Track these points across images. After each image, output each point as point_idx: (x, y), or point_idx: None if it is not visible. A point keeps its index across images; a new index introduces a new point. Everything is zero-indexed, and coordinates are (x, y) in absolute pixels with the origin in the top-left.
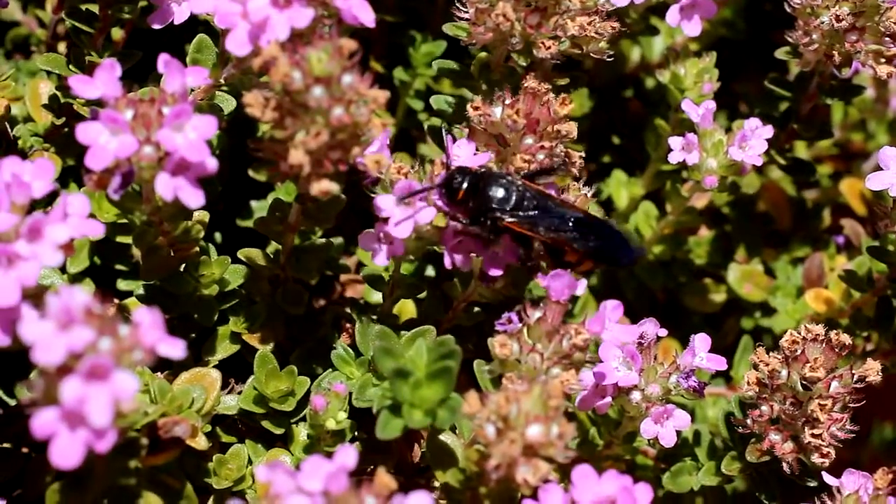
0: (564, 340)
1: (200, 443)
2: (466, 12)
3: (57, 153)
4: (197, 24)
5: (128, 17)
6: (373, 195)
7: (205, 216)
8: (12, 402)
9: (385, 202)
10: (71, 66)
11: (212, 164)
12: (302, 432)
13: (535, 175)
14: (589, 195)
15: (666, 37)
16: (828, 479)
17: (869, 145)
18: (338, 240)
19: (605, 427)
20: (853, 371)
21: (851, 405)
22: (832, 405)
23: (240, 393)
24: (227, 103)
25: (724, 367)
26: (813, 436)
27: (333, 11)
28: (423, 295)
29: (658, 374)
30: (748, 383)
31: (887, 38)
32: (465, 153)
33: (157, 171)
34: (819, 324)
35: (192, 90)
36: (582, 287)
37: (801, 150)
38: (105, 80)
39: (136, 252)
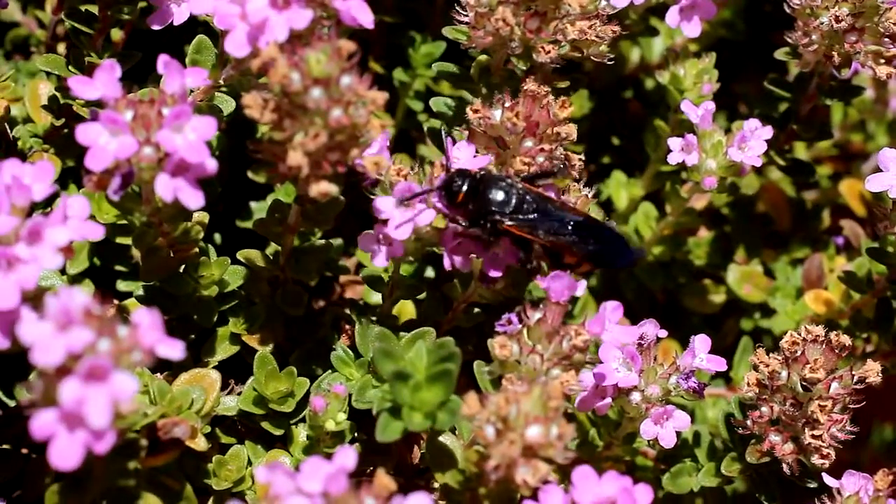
0: (564, 341)
1: (200, 444)
2: (466, 16)
3: (56, 154)
4: (196, 25)
5: (127, 18)
6: (372, 197)
7: (204, 217)
8: (12, 404)
9: (384, 204)
10: (70, 67)
11: (211, 165)
12: (301, 433)
13: (534, 177)
14: (589, 196)
15: (665, 38)
16: (828, 480)
17: (868, 146)
18: (337, 241)
19: (604, 428)
20: (853, 372)
21: (851, 406)
22: (832, 406)
23: (239, 394)
24: (227, 104)
25: (723, 368)
26: (813, 437)
27: (332, 13)
28: (422, 296)
29: (658, 375)
30: (748, 384)
31: (887, 39)
32: (464, 155)
33: (156, 172)
34: (819, 325)
35: (192, 91)
36: (582, 288)
37: (801, 151)
38: (105, 80)
39: (136, 253)
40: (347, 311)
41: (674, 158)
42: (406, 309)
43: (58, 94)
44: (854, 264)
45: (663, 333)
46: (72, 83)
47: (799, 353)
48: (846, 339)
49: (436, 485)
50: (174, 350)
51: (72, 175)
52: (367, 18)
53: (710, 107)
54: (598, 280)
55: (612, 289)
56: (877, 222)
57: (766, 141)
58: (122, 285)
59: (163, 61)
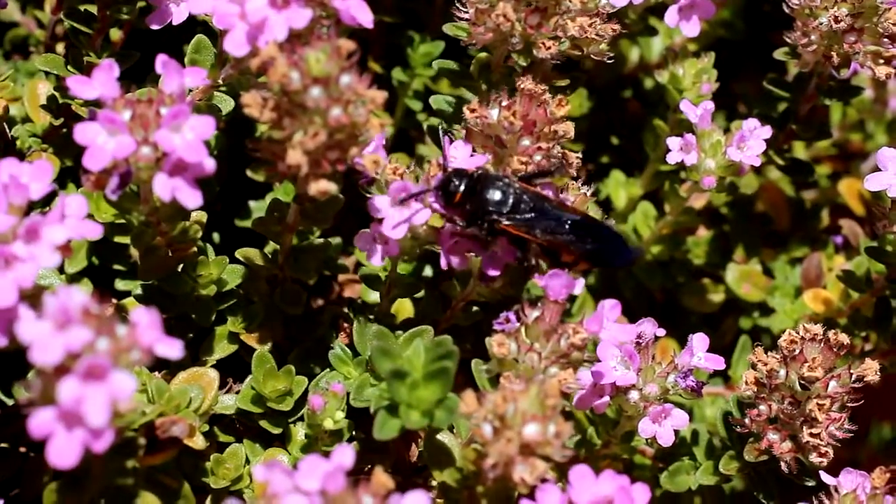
0: (562, 340)
1: (198, 442)
2: (466, 12)
3: (55, 154)
4: (195, 24)
5: (126, 18)
6: (369, 195)
7: (203, 216)
8: (10, 402)
9: (381, 203)
10: (69, 67)
11: (210, 164)
12: (300, 432)
13: (532, 176)
14: (587, 195)
15: (665, 37)
16: (826, 478)
17: (867, 146)
18: (336, 240)
19: (602, 426)
20: (851, 371)
21: (849, 405)
22: (830, 405)
23: (237, 393)
24: (226, 104)
25: (722, 366)
26: (811, 435)
27: (331, 12)
28: (420, 294)
29: (656, 374)
30: (746, 383)
31: (886, 39)
32: (461, 155)
33: (154, 172)
34: (817, 324)
35: (191, 91)
36: (580, 286)
37: (800, 151)
38: (103, 80)
39: (134, 252)
40: (346, 310)
41: (673, 158)
42: (404, 307)
43: (56, 94)
44: (853, 263)
45: (661, 332)
46: (70, 83)
47: (797, 351)
48: (844, 338)
49: (433, 483)
50: (172, 349)
51: (70, 174)
52: (366, 18)
53: (709, 106)
54: (596, 279)
55: (610, 287)
56: (875, 221)
57: (765, 140)
58: (120, 284)
59: (161, 61)
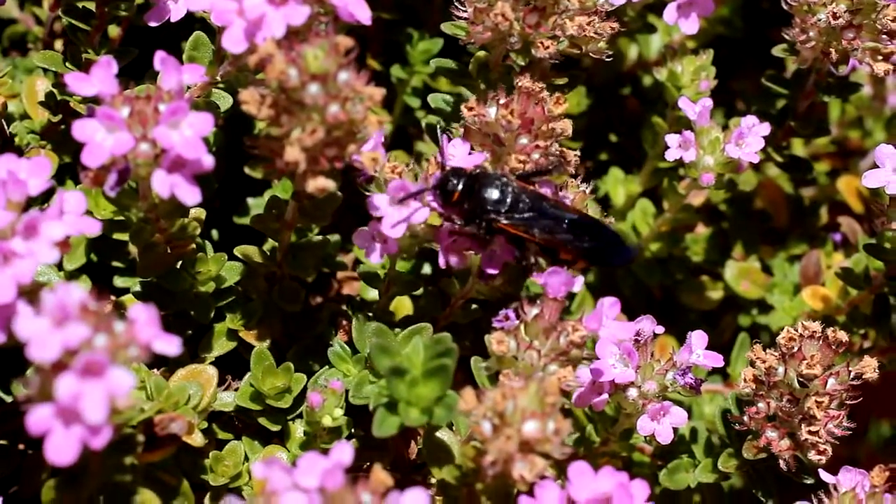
0: (561, 337)
1: (197, 440)
2: (465, 11)
3: (53, 150)
4: (193, 21)
5: (124, 15)
6: (367, 193)
7: (201, 213)
8: (8, 399)
9: (379, 201)
10: (67, 64)
11: (208, 161)
12: (298, 429)
13: (530, 175)
14: (586, 192)
15: (663, 35)
16: (824, 476)
17: (866, 143)
18: (334, 237)
19: (601, 424)
20: (850, 368)
21: (848, 402)
22: (829, 402)
23: (236, 390)
24: (224, 101)
25: (720, 364)
26: (810, 433)
27: (329, 9)
28: (419, 292)
29: (655, 371)
30: (745, 380)
31: (884, 36)
32: (460, 153)
33: (153, 169)
34: (816, 321)
35: (189, 87)
36: (579, 284)
37: (798, 148)
38: (101, 77)
39: (133, 249)
40: (344, 307)
41: (671, 155)
42: (403, 305)
43: (55, 91)
44: (851, 261)
45: (660, 329)
46: (68, 79)
47: (796, 349)
48: (843, 336)
49: (433, 480)
50: (171, 346)
51: (69, 171)
52: (364, 15)
53: (708, 103)
54: (595, 276)
55: (609, 285)
56: (874, 218)
57: (764, 137)
58: (118, 281)
59: (159, 58)
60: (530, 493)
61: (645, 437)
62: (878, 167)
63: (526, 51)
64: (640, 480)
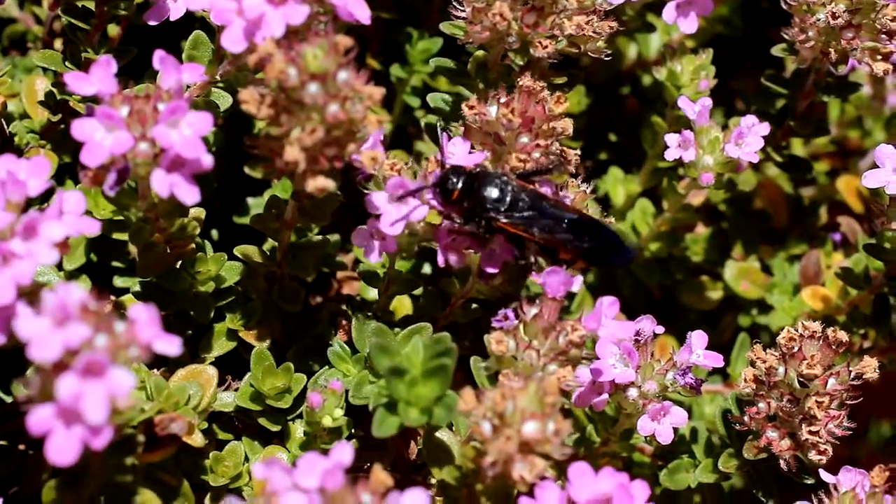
0: (561, 337)
1: (197, 440)
2: (463, 11)
3: (53, 150)
4: (193, 20)
5: (124, 14)
6: (366, 192)
7: (201, 213)
8: (9, 400)
9: (378, 200)
10: (67, 63)
11: (207, 160)
12: (298, 429)
13: (530, 174)
14: (586, 192)
15: (662, 34)
16: (825, 476)
17: (866, 142)
18: (334, 237)
19: (601, 424)
20: (850, 368)
21: (848, 402)
22: (829, 402)
23: (236, 390)
24: (223, 100)
25: (720, 364)
26: (810, 433)
27: (329, 8)
28: (419, 291)
29: (655, 371)
30: (745, 380)
31: (883, 36)
32: (459, 152)
33: (152, 168)
34: (816, 321)
35: (188, 87)
36: (578, 283)
37: (798, 148)
38: (101, 76)
39: (133, 249)
40: (344, 307)
41: (671, 155)
42: (403, 304)
43: (54, 90)
44: (851, 260)
45: (660, 329)
46: (68, 79)
47: (796, 349)
48: (843, 336)
49: (432, 481)
50: (171, 346)
51: (68, 171)
52: (363, 14)
53: (707, 103)
54: (594, 276)
55: (608, 285)
56: (874, 218)
57: (763, 137)
58: (118, 281)
59: (159, 57)
60: (530, 493)
61: (645, 437)
62: (877, 167)
63: (524, 50)
64: (640, 481)
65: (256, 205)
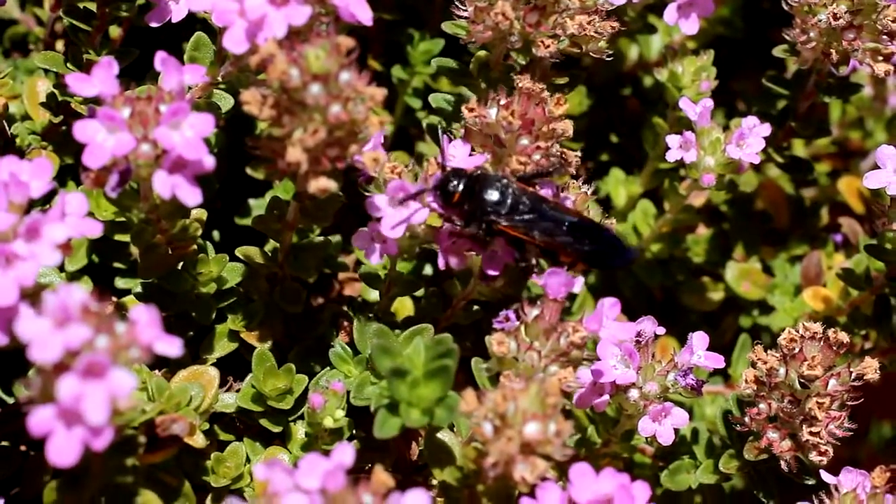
0: (562, 338)
1: (198, 441)
2: (465, 10)
3: (55, 151)
4: (195, 21)
5: (125, 15)
6: (367, 194)
7: (202, 214)
8: (10, 401)
9: (379, 202)
10: (68, 64)
11: (209, 161)
12: (300, 430)
13: (531, 177)
14: (587, 193)
15: (664, 35)
16: (826, 477)
17: (867, 143)
18: (336, 238)
19: (602, 425)
20: (851, 369)
21: (849, 403)
22: (830, 403)
23: (238, 391)
24: (225, 101)
25: (721, 365)
26: (811, 434)
27: (331, 9)
28: (420, 293)
29: (656, 372)
30: (746, 381)
31: (885, 36)
32: (460, 154)
33: (154, 169)
34: (817, 322)
35: (190, 88)
36: (579, 285)
37: (799, 149)
38: (102, 77)
39: (134, 250)
40: (346, 308)
41: (672, 156)
42: (404, 306)
43: (56, 92)
44: (852, 261)
45: (661, 330)
46: (69, 80)
47: (797, 350)
48: (844, 337)
49: (434, 482)
50: (172, 347)
51: (70, 172)
52: (365, 15)
53: (709, 104)
54: (595, 277)
55: (609, 286)
56: (875, 219)
57: (765, 138)
58: (120, 282)
59: (160, 58)
60: (531, 494)
61: (646, 438)
62: (878, 168)
63: (526, 50)
64: (641, 482)
65: (258, 206)
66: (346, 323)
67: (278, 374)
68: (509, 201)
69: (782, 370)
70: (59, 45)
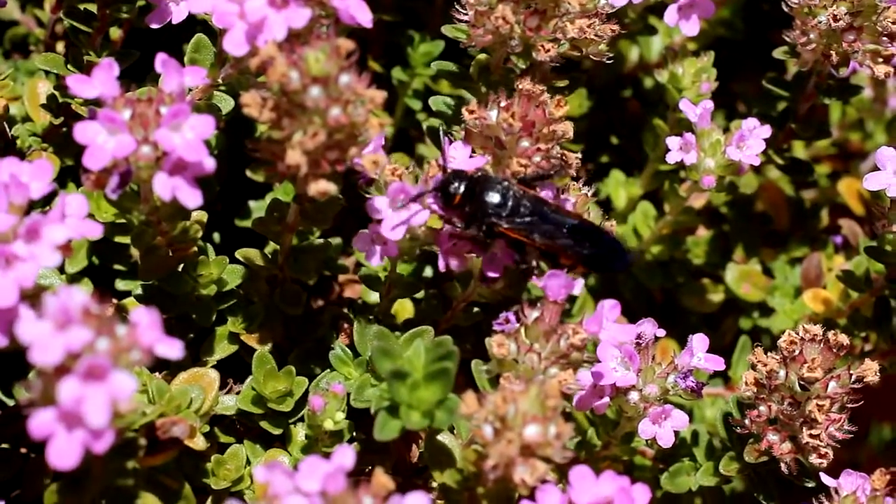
0: (562, 340)
1: (198, 443)
2: (465, 14)
3: (55, 153)
4: (195, 23)
5: (126, 17)
6: (367, 196)
7: (203, 216)
8: (11, 403)
9: (379, 204)
10: (69, 66)
11: (209, 163)
12: (300, 433)
13: (532, 179)
14: (588, 195)
15: (664, 36)
16: (826, 479)
17: (867, 145)
18: (336, 240)
19: (602, 427)
20: (851, 371)
21: (849, 406)
22: (830, 405)
23: (238, 393)
24: (225, 103)
25: (722, 367)
26: (811, 436)
27: (331, 11)
28: (420, 295)
29: (656, 375)
30: (746, 383)
31: (885, 38)
32: (461, 156)
33: (154, 171)
34: (817, 324)
35: (190, 90)
36: (579, 287)
37: (799, 150)
38: (103, 79)
39: (135, 252)
40: (346, 311)
41: (672, 157)
42: (404, 308)
43: (56, 93)
44: (852, 263)
45: (661, 332)
46: (70, 82)
47: (797, 352)
48: (844, 339)
49: (434, 484)
50: (173, 349)
51: (70, 174)
52: (365, 17)
53: (709, 105)
54: (596, 279)
55: (609, 288)
56: (875, 221)
57: (765, 140)
58: (120, 284)
59: (161, 60)
60: (531, 496)
61: (646, 440)
62: (878, 170)
63: (527, 53)
64: (641, 484)
65: (258, 208)
66: (346, 325)
67: (278, 377)
68: (510, 204)
69: (782, 372)
70: (60, 46)
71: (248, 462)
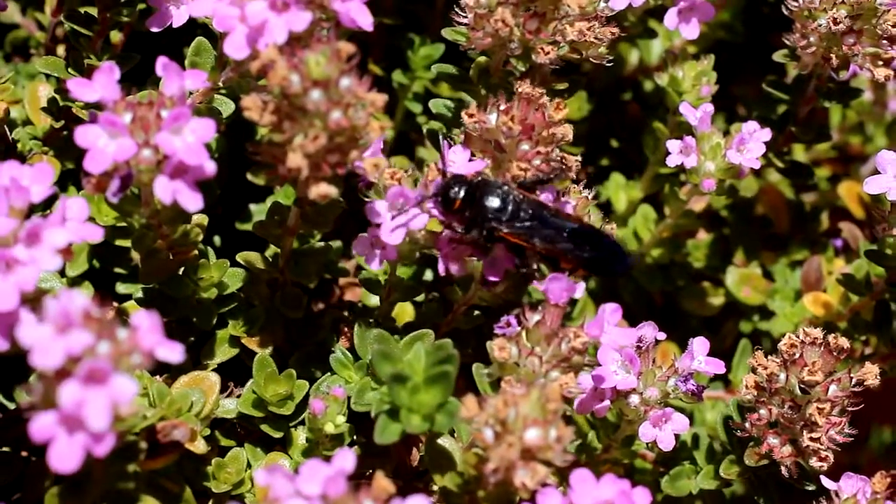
0: (563, 344)
1: (199, 446)
2: (465, 17)
3: (56, 156)
4: (195, 27)
5: (126, 20)
6: (367, 199)
7: (203, 219)
8: (11, 406)
9: (379, 208)
10: (70, 69)
11: (210, 167)
12: (301, 436)
13: (532, 184)
14: (588, 198)
15: (664, 40)
16: (826, 482)
17: (867, 148)
18: (336, 243)
19: (603, 430)
20: (851, 375)
21: (850, 409)
22: (830, 409)
23: (239, 396)
24: (226, 106)
25: (722, 370)
26: (811, 439)
27: (331, 15)
28: (420, 298)
29: (656, 378)
30: (746, 387)
31: (885, 41)
32: (460, 159)
33: (155, 175)
34: (817, 327)
35: (191, 93)
36: (580, 290)
37: (799, 153)
38: (104, 83)
39: (135, 255)
40: (346, 314)
41: (672, 161)
42: (405, 311)
43: (57, 97)
44: (852, 266)
45: (662, 336)
46: (71, 85)
47: (797, 355)
48: (844, 342)
49: (434, 487)
50: (173, 352)
51: (71, 177)
52: (366, 21)
53: (709, 109)
54: (596, 282)
55: (610, 291)
56: (875, 224)
57: (765, 143)
58: (121, 288)
59: (161, 63)
60: (532, 500)
61: (647, 443)
62: (879, 173)
63: (526, 56)
64: (641, 487)
65: (259, 211)
66: (346, 328)
67: (279, 380)
68: (510, 208)
69: (783, 375)
70: (61, 49)
71: (249, 465)
